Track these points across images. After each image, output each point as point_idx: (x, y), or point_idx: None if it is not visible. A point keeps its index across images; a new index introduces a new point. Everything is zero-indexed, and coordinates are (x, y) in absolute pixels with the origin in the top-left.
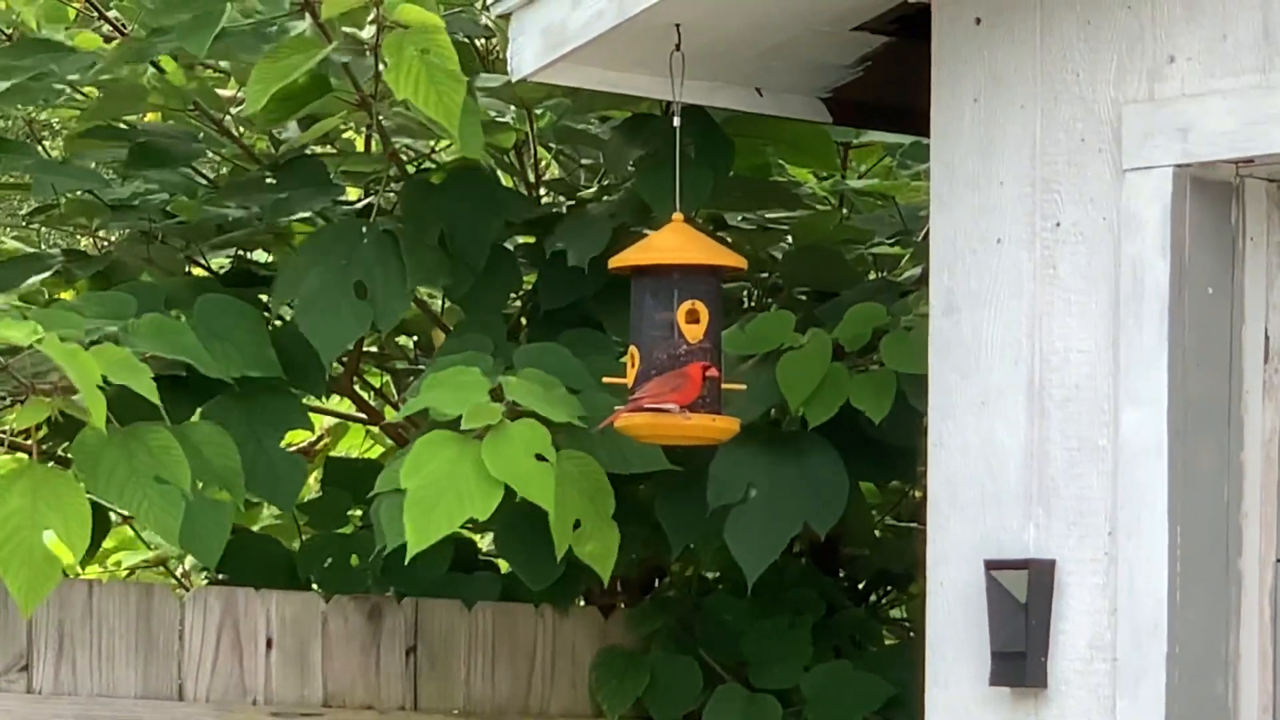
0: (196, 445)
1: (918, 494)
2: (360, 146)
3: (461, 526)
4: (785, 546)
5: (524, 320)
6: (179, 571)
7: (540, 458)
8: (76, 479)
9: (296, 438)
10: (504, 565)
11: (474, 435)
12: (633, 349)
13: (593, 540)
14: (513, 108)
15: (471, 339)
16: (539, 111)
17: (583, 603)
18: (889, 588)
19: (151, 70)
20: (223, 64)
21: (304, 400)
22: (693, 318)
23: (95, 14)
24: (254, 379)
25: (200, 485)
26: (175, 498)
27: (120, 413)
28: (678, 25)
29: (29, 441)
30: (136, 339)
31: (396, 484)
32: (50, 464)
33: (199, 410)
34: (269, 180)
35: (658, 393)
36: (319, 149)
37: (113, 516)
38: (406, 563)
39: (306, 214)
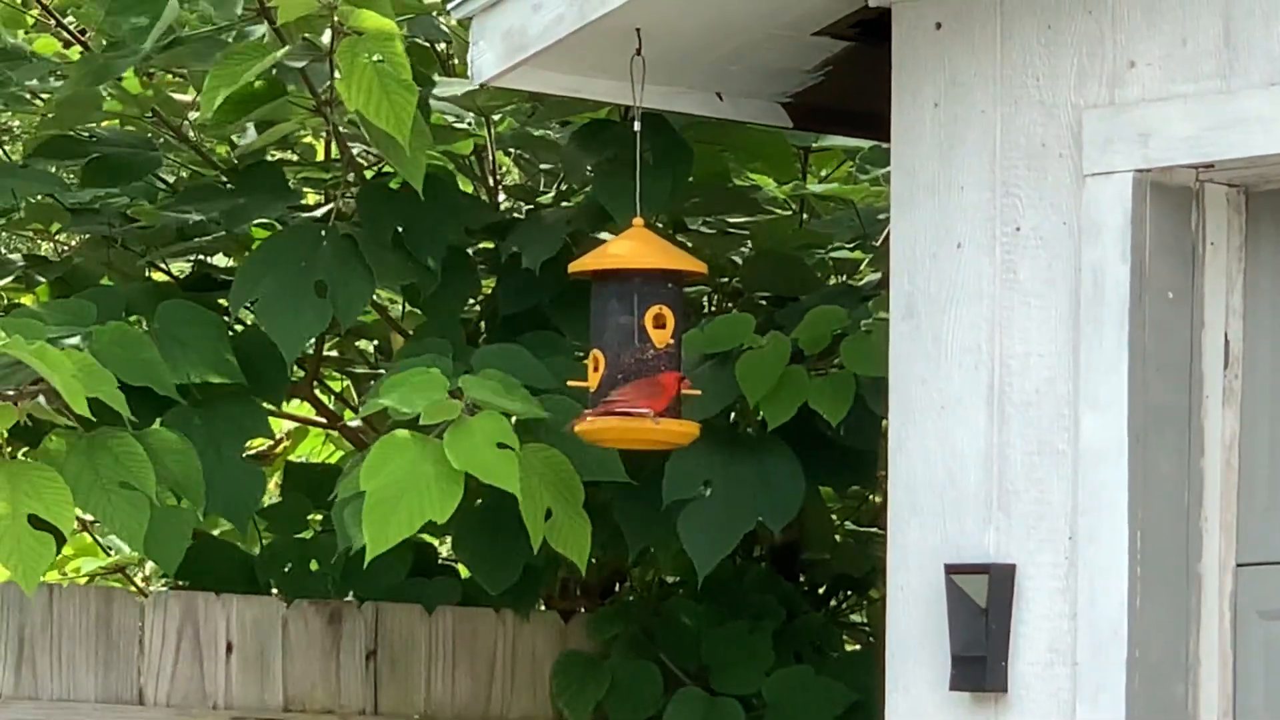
0: (158, 453)
1: (877, 498)
2: (320, 152)
3: (421, 531)
4: (739, 543)
5: (482, 325)
6: (138, 578)
7: (503, 446)
8: (53, 457)
9: (256, 442)
10: (464, 570)
11: (434, 434)
12: (595, 353)
13: (565, 530)
14: (471, 114)
15: (431, 343)
16: (498, 117)
17: (543, 607)
18: (849, 592)
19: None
20: (180, 70)
21: (265, 406)
22: (659, 322)
23: (53, 22)
24: (215, 386)
25: (161, 493)
26: (141, 503)
27: (82, 418)
28: (638, 29)
29: None
30: (99, 349)
31: (358, 487)
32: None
33: (159, 419)
34: (227, 186)
35: (632, 398)
36: (279, 155)
37: (67, 533)
38: (365, 566)
39: (265, 220)
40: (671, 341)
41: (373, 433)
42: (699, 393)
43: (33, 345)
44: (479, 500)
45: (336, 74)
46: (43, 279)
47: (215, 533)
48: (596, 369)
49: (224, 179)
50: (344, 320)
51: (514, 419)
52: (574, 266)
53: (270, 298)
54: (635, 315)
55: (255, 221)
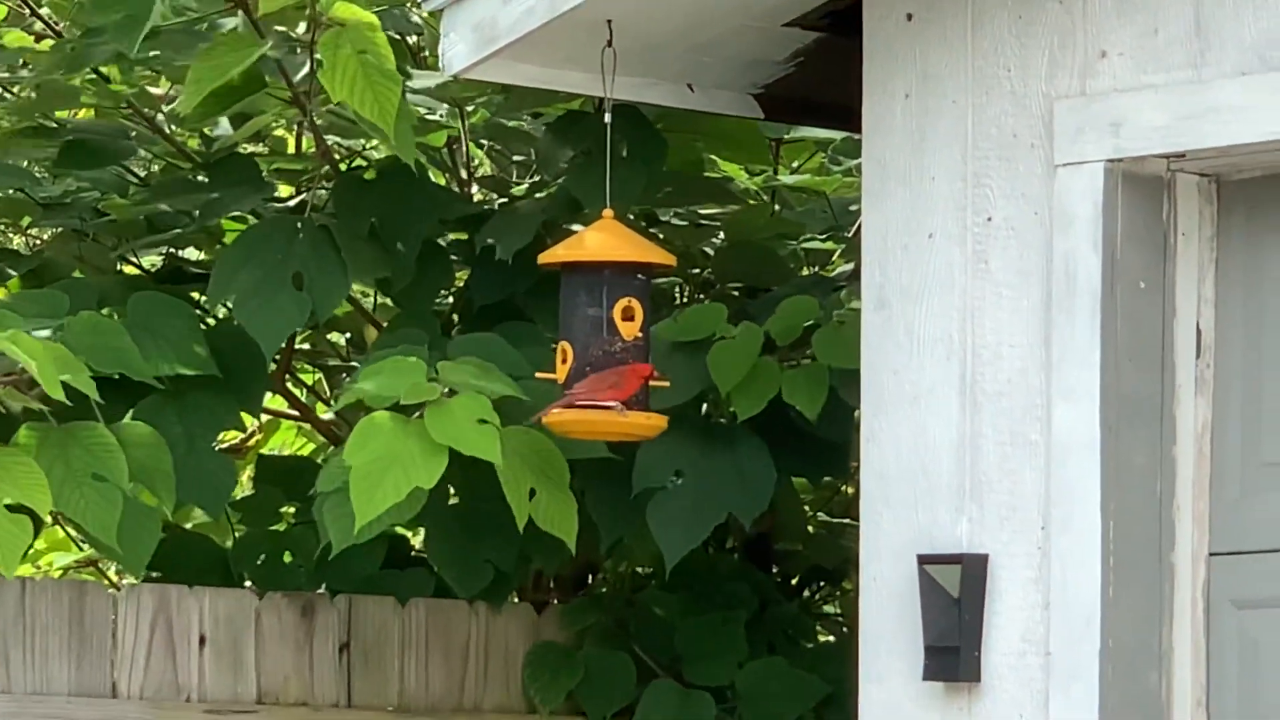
0: (128, 446)
1: (850, 489)
2: (291, 144)
3: (393, 524)
4: (708, 534)
5: (456, 316)
6: (111, 571)
7: (483, 422)
8: (24, 451)
9: (228, 435)
10: None
11: (415, 415)
12: (564, 344)
13: (551, 509)
14: (445, 105)
15: (406, 334)
16: (470, 109)
17: (515, 599)
18: (822, 583)
19: (85, 69)
20: (154, 59)
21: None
22: (628, 315)
23: (27, 11)
24: (188, 377)
25: (131, 487)
26: (113, 496)
27: (54, 411)
28: (609, 21)
29: None
30: (71, 338)
31: (339, 481)
32: None
33: (131, 411)
34: (201, 179)
35: (594, 389)
36: (251, 148)
37: (45, 517)
38: (356, 533)
39: (238, 213)
40: (640, 334)
41: (346, 426)
42: (667, 383)
43: (6, 333)
44: (451, 500)
45: (318, 65)
46: (13, 272)
47: (188, 526)
48: (565, 361)
49: (197, 172)
50: (321, 313)
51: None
52: (544, 257)
53: (247, 292)
54: (604, 307)
55: (228, 215)
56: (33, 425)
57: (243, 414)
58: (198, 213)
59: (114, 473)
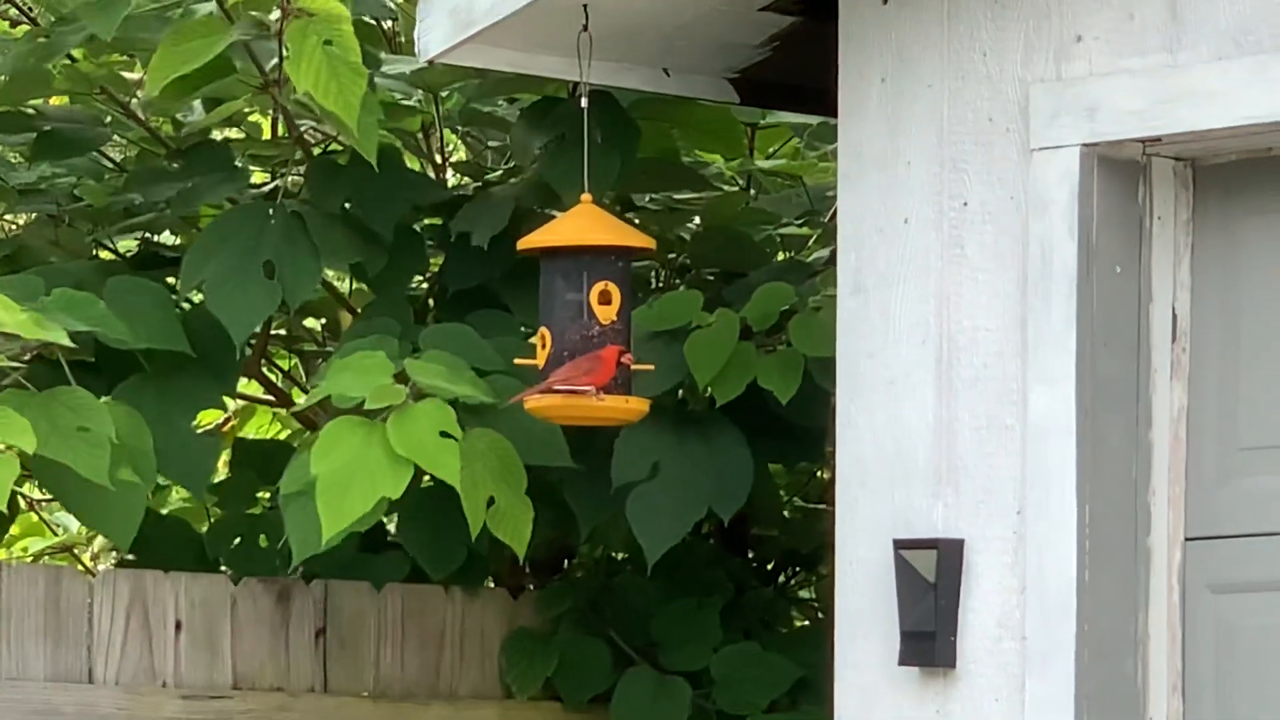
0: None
1: (826, 474)
2: (266, 129)
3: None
4: (689, 530)
5: (431, 302)
6: (85, 557)
7: (446, 435)
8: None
9: (205, 419)
10: None
11: (380, 418)
12: (543, 330)
13: (507, 517)
14: (420, 91)
15: (379, 322)
16: (445, 94)
17: (491, 584)
18: (798, 568)
19: (60, 56)
20: (126, 41)
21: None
22: (605, 299)
23: None
24: (166, 361)
25: (112, 469)
26: (100, 441)
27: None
28: (585, 5)
29: None
30: (48, 313)
31: (302, 483)
32: None
33: (110, 394)
34: (174, 167)
35: (571, 375)
36: (224, 133)
37: (20, 502)
38: (323, 548)
39: (215, 201)
40: (616, 318)
41: (321, 412)
42: (650, 367)
43: None
44: (424, 481)
45: (285, 54)
46: None
47: (164, 511)
48: (544, 347)
49: (171, 161)
50: (292, 301)
51: (459, 402)
52: (522, 243)
53: (218, 279)
54: (582, 292)
55: (203, 203)
56: (12, 391)
57: (223, 397)
58: (174, 204)
59: (99, 425)
